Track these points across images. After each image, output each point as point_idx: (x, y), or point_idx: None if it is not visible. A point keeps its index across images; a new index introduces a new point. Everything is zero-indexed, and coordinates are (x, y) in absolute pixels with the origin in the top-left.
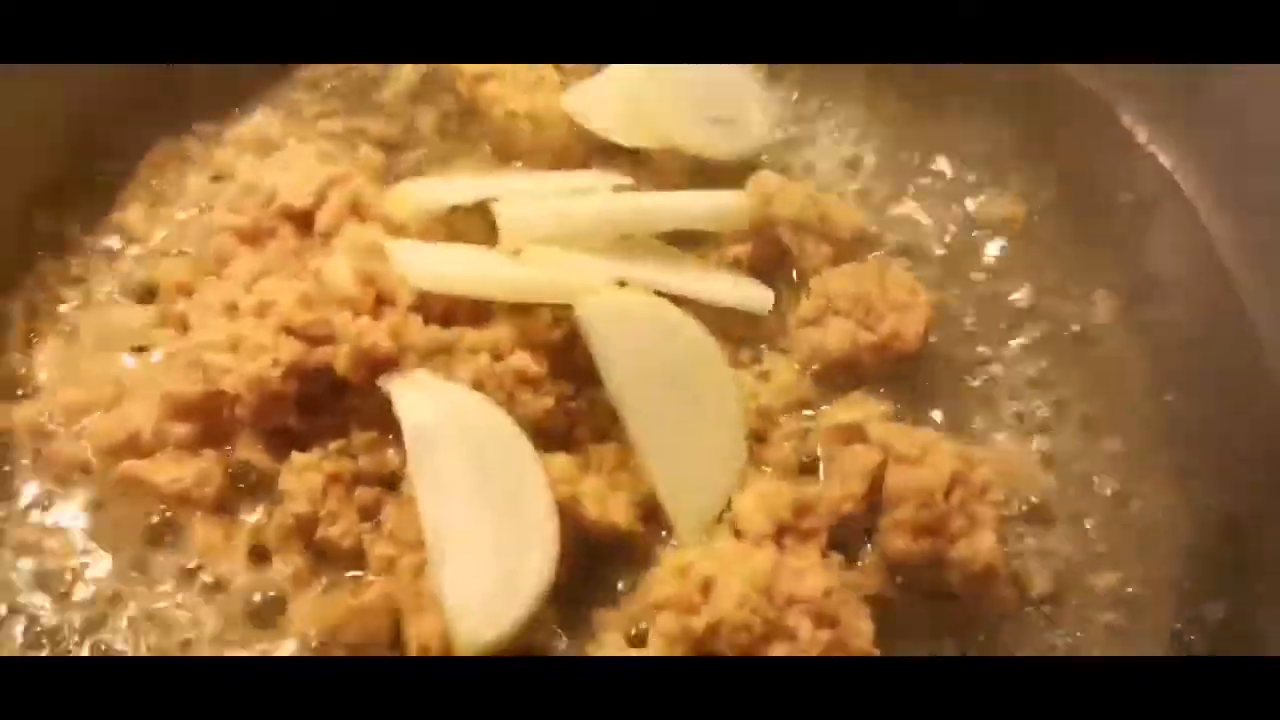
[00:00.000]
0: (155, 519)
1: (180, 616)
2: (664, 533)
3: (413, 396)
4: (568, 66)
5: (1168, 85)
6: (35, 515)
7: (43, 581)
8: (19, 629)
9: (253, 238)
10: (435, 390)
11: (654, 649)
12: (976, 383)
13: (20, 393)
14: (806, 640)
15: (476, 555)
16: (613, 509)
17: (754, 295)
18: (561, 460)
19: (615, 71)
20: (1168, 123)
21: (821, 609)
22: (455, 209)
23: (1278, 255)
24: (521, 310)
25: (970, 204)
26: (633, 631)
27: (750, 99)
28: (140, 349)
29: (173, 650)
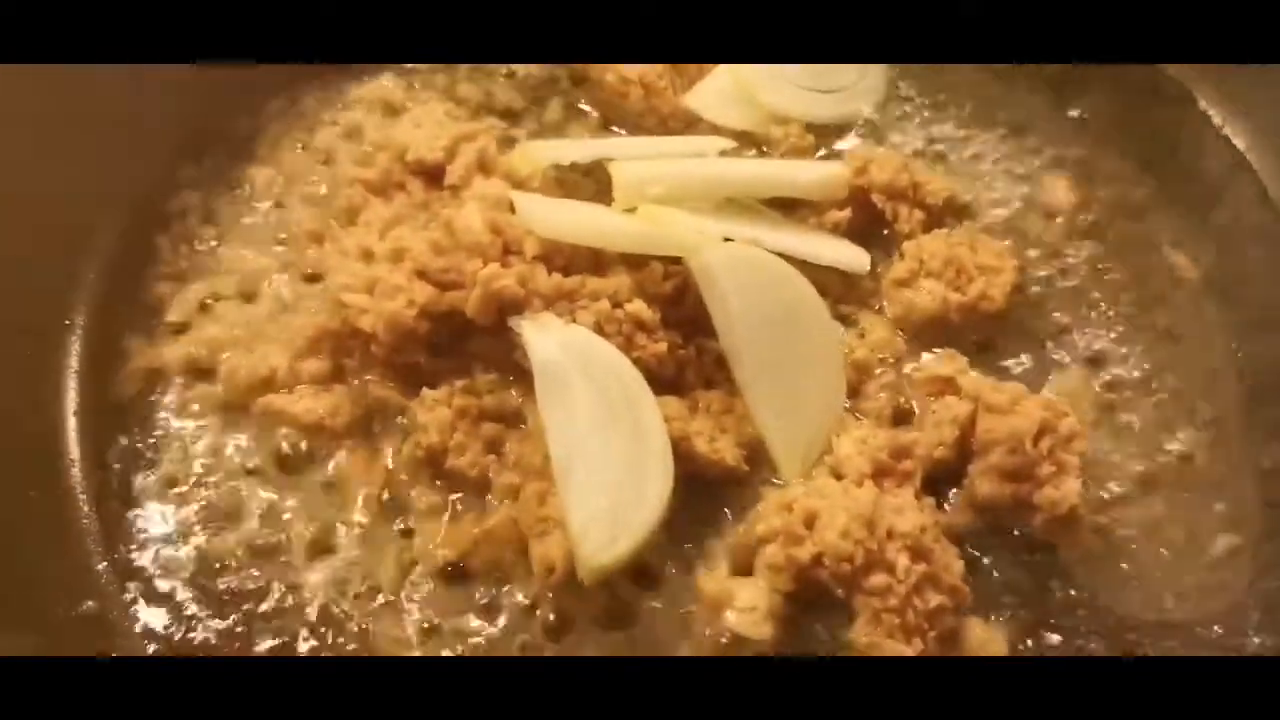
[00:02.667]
0: (289, 449)
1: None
2: (768, 474)
3: (540, 334)
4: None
5: (1242, 71)
6: (186, 446)
7: (192, 517)
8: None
9: (381, 190)
10: (560, 330)
11: (761, 578)
12: (1057, 346)
13: (157, 322)
14: (903, 572)
15: (599, 480)
16: (721, 447)
17: (852, 256)
18: (673, 401)
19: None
20: (1242, 106)
21: (918, 544)
22: (574, 168)
23: None
24: (636, 263)
25: (1055, 179)
26: (741, 562)
27: (855, 68)
28: (274, 291)
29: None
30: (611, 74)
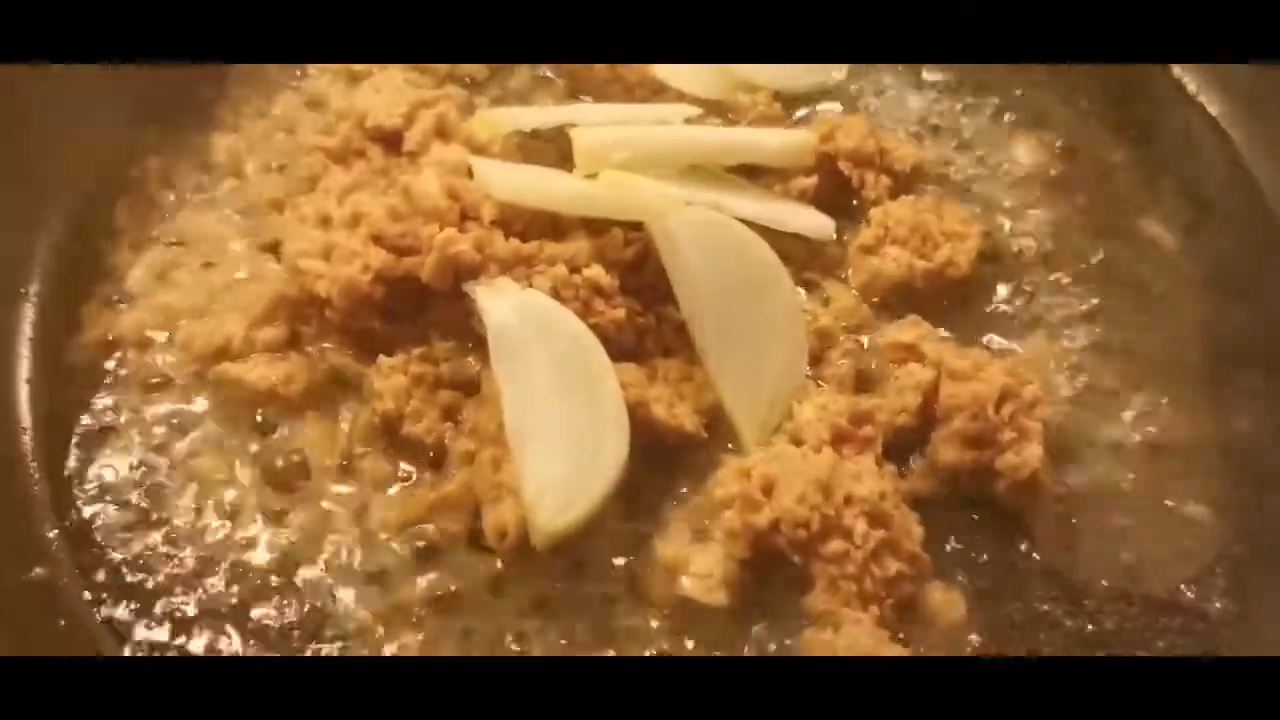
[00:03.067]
0: (244, 417)
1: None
2: (727, 441)
3: (496, 299)
4: None
5: None
6: (140, 414)
7: (144, 485)
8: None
9: (342, 158)
10: (516, 295)
11: (718, 544)
12: (1025, 312)
13: (117, 298)
14: (860, 538)
15: (553, 446)
16: (680, 413)
17: (817, 223)
18: (631, 368)
19: None
20: (1216, 72)
21: (876, 510)
22: (536, 134)
23: None
24: (596, 229)
25: (1023, 143)
26: (698, 529)
27: None
28: (231, 259)
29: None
30: None
